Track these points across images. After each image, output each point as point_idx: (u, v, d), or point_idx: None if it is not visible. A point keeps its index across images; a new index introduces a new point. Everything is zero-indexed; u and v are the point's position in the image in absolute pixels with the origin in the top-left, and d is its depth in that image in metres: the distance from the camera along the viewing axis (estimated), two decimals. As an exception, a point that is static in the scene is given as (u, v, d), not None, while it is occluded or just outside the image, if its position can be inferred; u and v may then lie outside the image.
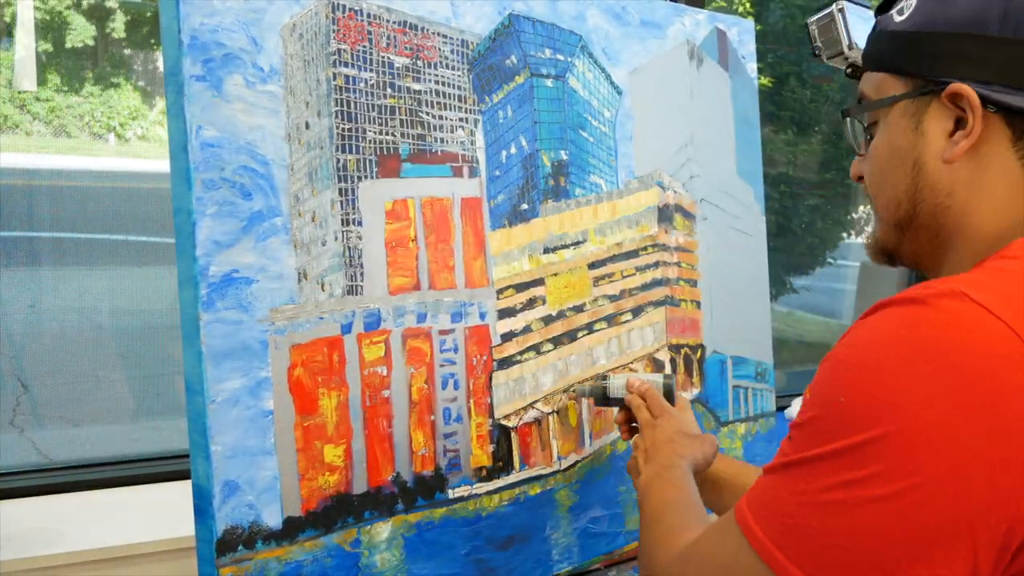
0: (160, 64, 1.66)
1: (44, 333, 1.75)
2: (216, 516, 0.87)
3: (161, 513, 1.53)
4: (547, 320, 1.19)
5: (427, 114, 1.06)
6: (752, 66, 1.53)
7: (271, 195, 0.91)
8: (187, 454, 0.89)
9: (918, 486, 0.57)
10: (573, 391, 1.20)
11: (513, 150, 1.16)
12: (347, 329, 0.98)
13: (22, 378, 1.73)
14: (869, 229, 0.84)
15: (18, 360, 1.72)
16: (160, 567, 1.47)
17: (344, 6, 0.99)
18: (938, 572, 0.57)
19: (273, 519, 0.91)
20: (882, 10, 0.84)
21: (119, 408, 1.83)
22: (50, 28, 1.78)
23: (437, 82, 1.07)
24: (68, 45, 1.78)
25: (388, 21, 1.03)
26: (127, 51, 1.93)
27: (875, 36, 0.80)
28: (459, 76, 1.10)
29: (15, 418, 1.72)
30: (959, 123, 0.72)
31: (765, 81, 2.70)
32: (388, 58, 1.03)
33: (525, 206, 1.17)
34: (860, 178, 0.82)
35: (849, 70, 0.87)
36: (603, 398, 1.13)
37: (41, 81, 1.78)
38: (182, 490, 1.00)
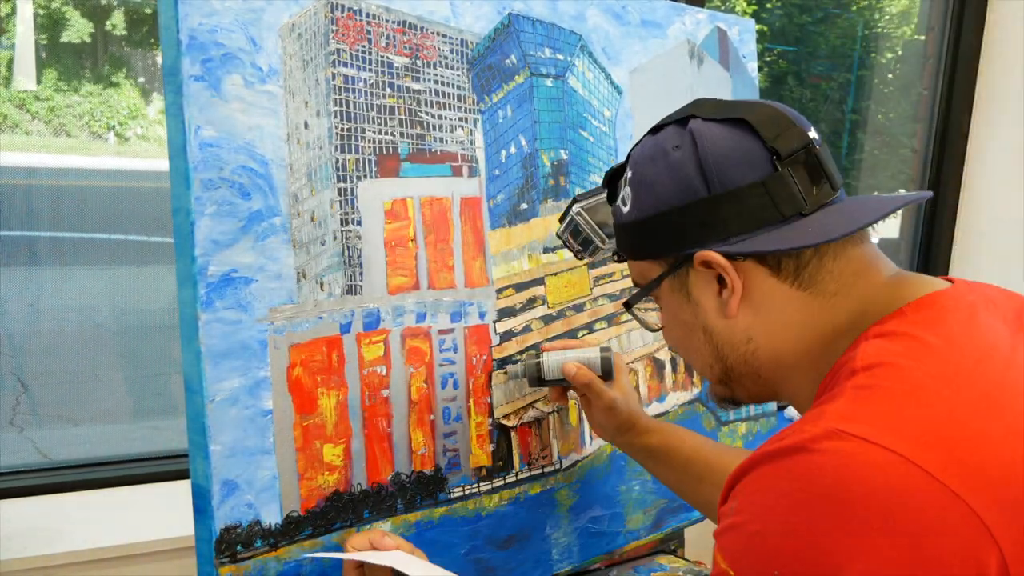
0: (159, 63, 1.66)
1: (44, 333, 1.74)
2: (215, 515, 0.87)
3: (160, 513, 1.53)
4: (547, 320, 1.19)
5: (426, 114, 1.06)
6: (752, 65, 1.52)
7: (270, 195, 0.91)
8: (186, 454, 0.89)
9: None
10: (505, 371, 1.14)
11: (513, 150, 1.16)
12: (346, 329, 0.98)
13: (22, 378, 1.73)
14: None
15: (18, 360, 1.72)
16: (160, 567, 1.47)
17: (343, 6, 0.98)
18: None
19: (272, 518, 0.91)
20: (611, 198, 0.88)
21: (119, 408, 1.83)
22: (47, 25, 1.78)
23: (436, 82, 1.07)
24: (64, 39, 1.78)
25: (387, 21, 1.03)
26: (126, 49, 1.93)
27: (617, 229, 0.85)
28: (458, 76, 1.10)
29: (15, 418, 1.72)
30: (721, 280, 0.76)
31: (763, 80, 2.70)
32: (387, 58, 1.03)
33: (525, 205, 1.17)
34: None
35: (615, 257, 0.90)
36: (537, 380, 1.10)
37: (39, 80, 1.78)
38: (181, 490, 0.99)
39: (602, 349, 1.09)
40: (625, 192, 0.81)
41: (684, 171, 0.75)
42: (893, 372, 0.65)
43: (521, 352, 1.15)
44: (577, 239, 1.02)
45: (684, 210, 0.75)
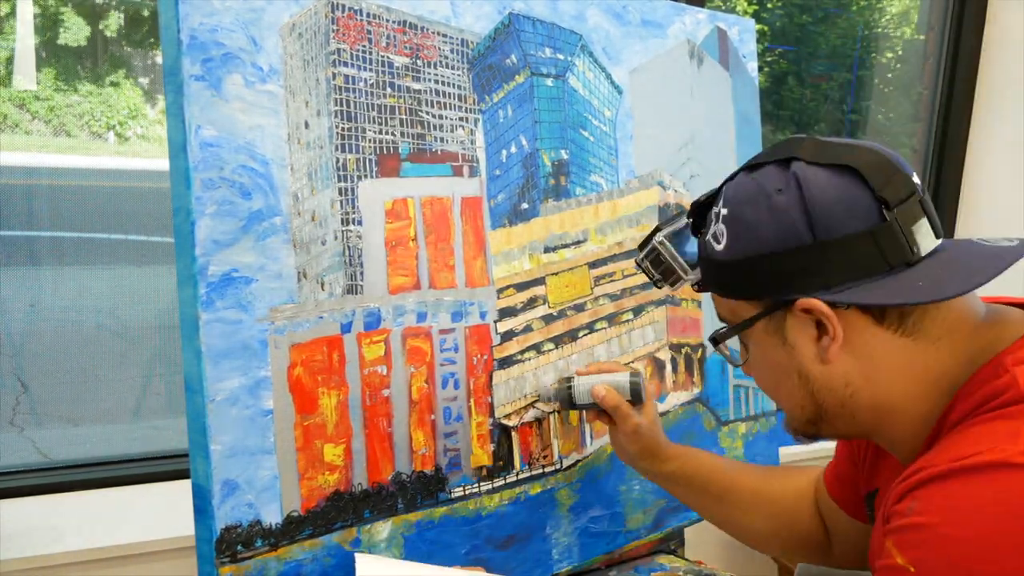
0: (160, 62, 1.66)
1: (44, 333, 1.74)
2: (216, 515, 0.87)
3: (161, 513, 1.53)
4: (548, 319, 1.19)
5: (427, 113, 1.06)
6: (752, 65, 1.52)
7: (270, 194, 0.91)
8: (187, 453, 0.89)
9: None
10: (537, 394, 1.16)
11: (513, 149, 1.16)
12: (347, 328, 0.98)
13: (22, 378, 1.73)
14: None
15: (18, 360, 1.72)
16: (160, 566, 1.48)
17: (343, 5, 0.98)
18: None
19: (273, 518, 0.91)
20: (695, 229, 0.86)
21: (119, 408, 1.83)
22: (47, 25, 1.78)
23: (437, 81, 1.07)
24: (61, 42, 1.78)
25: (388, 20, 1.02)
26: (126, 49, 1.93)
27: (706, 264, 0.83)
28: (459, 75, 1.09)
29: (15, 417, 1.71)
30: (819, 326, 0.75)
31: (763, 80, 2.71)
32: (388, 57, 1.03)
33: (525, 205, 1.17)
34: None
35: (696, 287, 0.90)
36: (569, 403, 1.12)
37: (39, 79, 1.78)
38: (182, 490, 0.99)
39: (632, 374, 1.10)
40: (718, 228, 0.79)
41: (788, 217, 0.73)
42: None
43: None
44: (658, 268, 0.96)
45: (786, 256, 0.73)
